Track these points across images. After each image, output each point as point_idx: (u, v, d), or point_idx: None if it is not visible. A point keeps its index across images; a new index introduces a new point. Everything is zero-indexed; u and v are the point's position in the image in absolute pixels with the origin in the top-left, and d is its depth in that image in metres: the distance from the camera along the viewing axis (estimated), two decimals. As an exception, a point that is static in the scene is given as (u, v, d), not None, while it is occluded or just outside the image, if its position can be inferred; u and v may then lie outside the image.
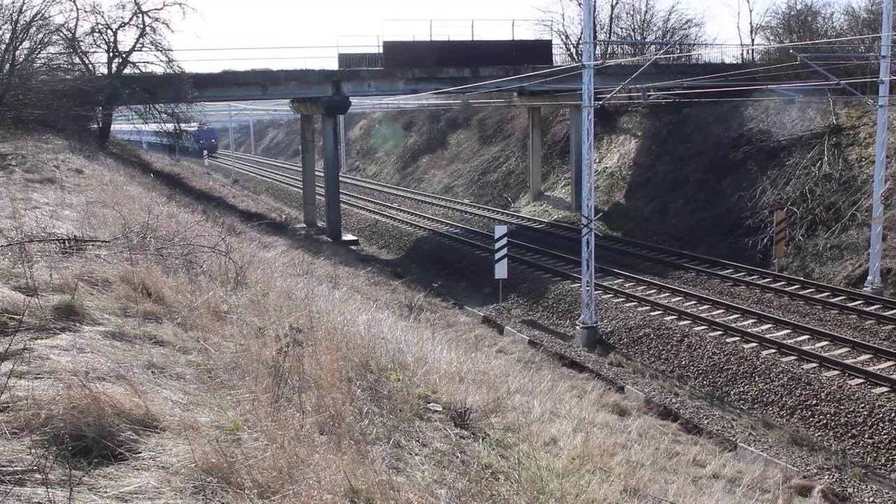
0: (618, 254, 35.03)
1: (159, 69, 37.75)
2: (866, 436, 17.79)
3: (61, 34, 36.66)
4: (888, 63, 27.85)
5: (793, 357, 21.24)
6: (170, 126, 40.27)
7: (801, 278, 29.45)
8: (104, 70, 37.66)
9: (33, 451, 4.71)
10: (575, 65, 32.42)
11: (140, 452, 5.03)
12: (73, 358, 6.33)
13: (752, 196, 35.37)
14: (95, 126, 38.45)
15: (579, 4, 56.42)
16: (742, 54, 54.35)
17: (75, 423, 5.04)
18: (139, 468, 4.86)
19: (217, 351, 7.49)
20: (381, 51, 42.35)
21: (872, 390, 18.93)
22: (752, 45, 57.18)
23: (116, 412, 5.31)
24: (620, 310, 26.63)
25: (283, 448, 5.36)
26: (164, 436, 5.30)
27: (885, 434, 17.53)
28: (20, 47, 33.13)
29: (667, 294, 28.11)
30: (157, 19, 37.75)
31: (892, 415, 17.79)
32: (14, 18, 31.56)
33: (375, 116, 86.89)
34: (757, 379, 20.83)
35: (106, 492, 4.54)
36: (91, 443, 4.96)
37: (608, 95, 28.53)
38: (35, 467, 4.51)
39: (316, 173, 49.14)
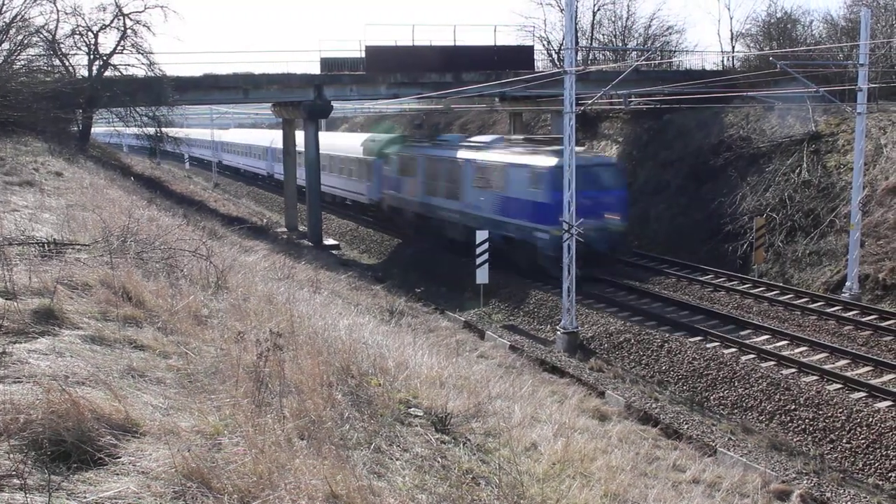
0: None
1: (140, 72, 37.55)
2: (844, 440, 17.93)
3: (41, 36, 36.39)
4: (866, 71, 28.13)
5: (772, 362, 21.38)
6: (150, 129, 40.03)
7: (781, 284, 29.65)
8: (84, 72, 37.41)
9: (11, 455, 4.68)
10: (557, 71, 32.52)
11: (120, 457, 5.01)
12: (52, 362, 6.30)
13: (732, 202, 35.58)
14: (75, 129, 38.19)
15: (561, 11, 56.70)
16: (722, 61, 54.73)
17: (54, 427, 5.02)
18: (119, 473, 4.84)
19: (197, 355, 7.47)
20: (364, 55, 42.29)
21: (850, 395, 19.08)
22: (733, 52, 57.54)
23: (96, 417, 5.29)
24: (601, 315, 26.71)
25: (263, 453, 5.35)
26: (144, 441, 5.28)
27: (862, 439, 17.67)
28: (-1, 49, 32.93)
29: (647, 300, 28.21)
30: (138, 22, 37.52)
31: (870, 419, 17.94)
32: (-7, 20, 31.39)
33: (357, 121, 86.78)
34: (736, 384, 20.94)
35: (85, 497, 4.52)
36: (70, 448, 4.94)
37: (590, 101, 28.63)
38: (13, 472, 4.48)
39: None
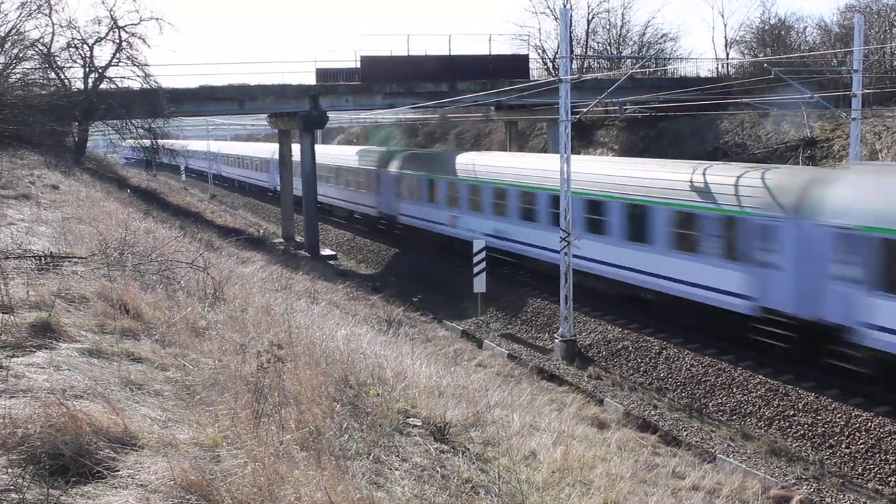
0: (596, 267, 34.97)
1: (136, 84, 37.64)
2: (843, 445, 17.91)
3: (37, 49, 36.49)
4: (860, 77, 28.22)
5: (770, 368, 21.33)
6: (146, 141, 40.06)
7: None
8: (80, 85, 37.50)
9: (10, 470, 4.67)
10: (552, 79, 32.60)
11: (118, 470, 4.99)
12: (49, 376, 6.29)
13: (729, 208, 35.55)
14: (71, 141, 38.22)
15: (555, 19, 56.91)
16: (717, 68, 54.90)
17: (52, 441, 5.01)
18: (117, 486, 4.82)
19: (196, 367, 7.46)
20: (359, 65, 42.44)
21: (849, 400, 19.06)
22: (727, 59, 57.77)
23: (94, 430, 5.27)
24: (599, 323, 26.68)
25: (262, 465, 5.34)
26: (142, 453, 5.27)
27: (861, 443, 17.66)
28: (-6, 63, 32.99)
29: (645, 306, 28.15)
30: (133, 34, 37.66)
31: (869, 424, 17.93)
32: (-11, 34, 31.44)
33: (353, 131, 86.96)
34: (735, 390, 20.93)
35: (84, 511, 4.51)
36: (68, 461, 4.92)
37: (585, 109, 28.69)
38: (12, 486, 4.47)
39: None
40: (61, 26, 36.99)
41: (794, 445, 18.55)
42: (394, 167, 41.64)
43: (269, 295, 15.13)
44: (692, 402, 21.25)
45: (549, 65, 59.02)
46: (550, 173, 27.30)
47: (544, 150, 50.07)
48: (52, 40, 36.87)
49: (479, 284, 28.82)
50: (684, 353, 23.10)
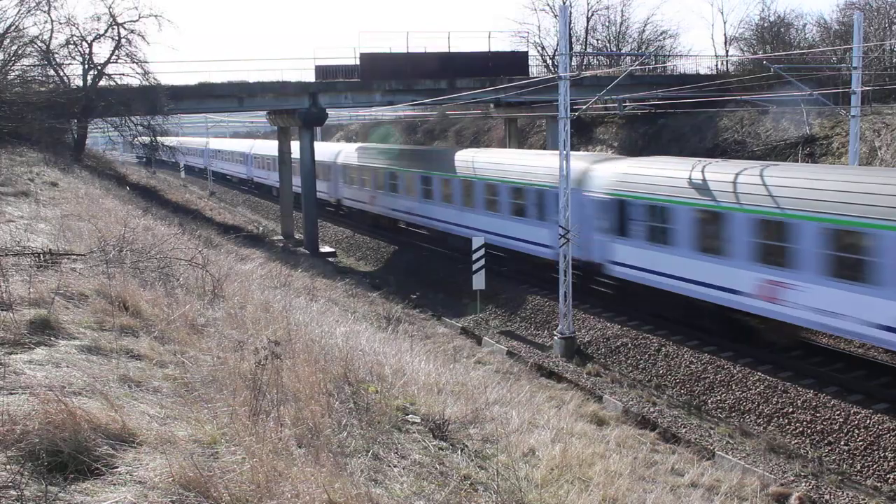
0: (595, 264, 34.94)
1: (135, 81, 37.61)
2: (842, 442, 17.93)
3: (36, 46, 36.47)
4: (860, 74, 28.21)
5: (769, 365, 21.36)
6: (146, 138, 40.04)
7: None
8: (79, 82, 37.47)
9: (8, 467, 4.68)
10: (551, 76, 32.60)
11: (117, 467, 5.00)
12: (48, 373, 6.30)
13: (728, 206, 35.50)
14: (70, 138, 38.21)
15: (555, 16, 56.89)
16: (717, 65, 54.91)
17: (51, 438, 5.01)
18: (116, 483, 4.83)
19: (194, 364, 7.46)
20: (358, 62, 42.39)
21: (848, 397, 19.08)
22: (727, 56, 57.77)
23: (92, 427, 5.28)
24: (598, 320, 26.68)
25: (261, 461, 5.34)
26: (140, 450, 5.27)
27: (860, 441, 17.67)
28: (-7, 60, 32.99)
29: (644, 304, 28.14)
30: (132, 31, 37.61)
31: (868, 421, 17.94)
32: (-13, 31, 31.44)
33: (352, 128, 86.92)
34: (734, 387, 20.94)
35: (82, 507, 4.51)
36: (67, 458, 4.93)
37: (584, 107, 28.67)
38: (10, 483, 4.47)
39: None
40: (60, 23, 36.98)
41: (793, 442, 18.56)
42: (600, 188, 26.70)
43: (268, 292, 15.15)
44: (691, 399, 21.26)
45: (549, 62, 59.01)
46: None
47: (543, 148, 50.04)
48: (51, 37, 36.89)
49: (479, 282, 28.81)
50: (683, 350, 23.11)
